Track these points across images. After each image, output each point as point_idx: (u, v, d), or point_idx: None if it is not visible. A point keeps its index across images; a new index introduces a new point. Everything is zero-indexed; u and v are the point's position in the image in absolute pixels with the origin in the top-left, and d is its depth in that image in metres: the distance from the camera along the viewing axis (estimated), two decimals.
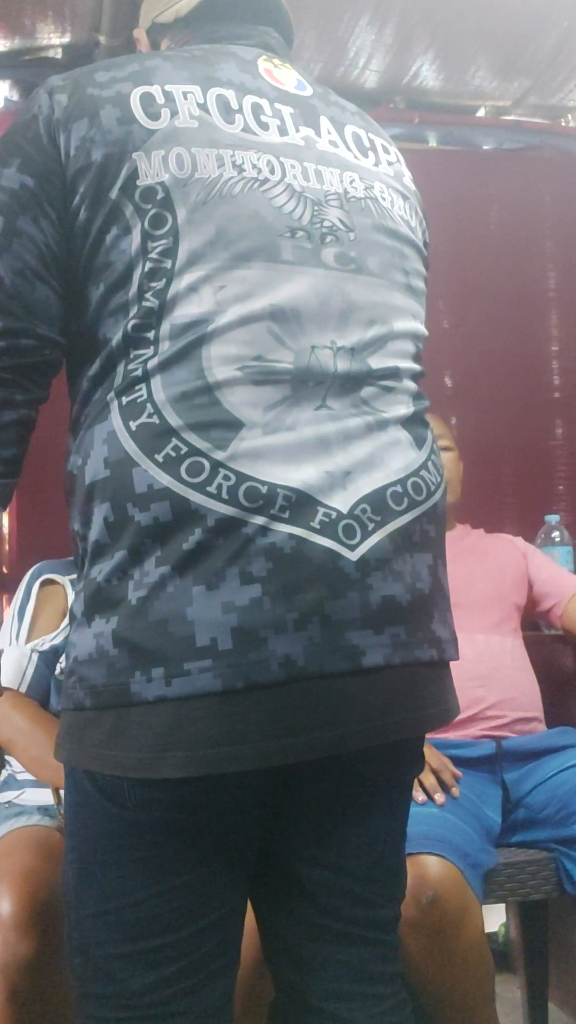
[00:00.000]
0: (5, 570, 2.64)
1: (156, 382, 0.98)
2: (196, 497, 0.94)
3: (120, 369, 1.00)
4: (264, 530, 0.95)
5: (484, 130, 3.18)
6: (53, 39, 2.71)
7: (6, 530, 2.65)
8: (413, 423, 1.10)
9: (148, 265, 0.99)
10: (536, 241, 3.12)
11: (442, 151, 3.13)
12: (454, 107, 3.13)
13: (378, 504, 1.01)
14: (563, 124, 3.24)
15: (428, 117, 3.09)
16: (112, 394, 1.00)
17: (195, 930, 1.01)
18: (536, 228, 3.13)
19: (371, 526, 1.00)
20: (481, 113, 3.20)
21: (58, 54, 2.76)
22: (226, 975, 1.06)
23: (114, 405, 0.99)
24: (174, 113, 1.03)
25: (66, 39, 2.70)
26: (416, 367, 1.13)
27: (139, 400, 0.98)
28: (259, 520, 0.95)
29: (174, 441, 0.96)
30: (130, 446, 0.97)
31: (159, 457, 0.96)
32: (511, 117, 3.19)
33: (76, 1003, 1.05)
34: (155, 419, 0.97)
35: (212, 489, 0.95)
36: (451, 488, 2.22)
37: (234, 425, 0.97)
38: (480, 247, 3.06)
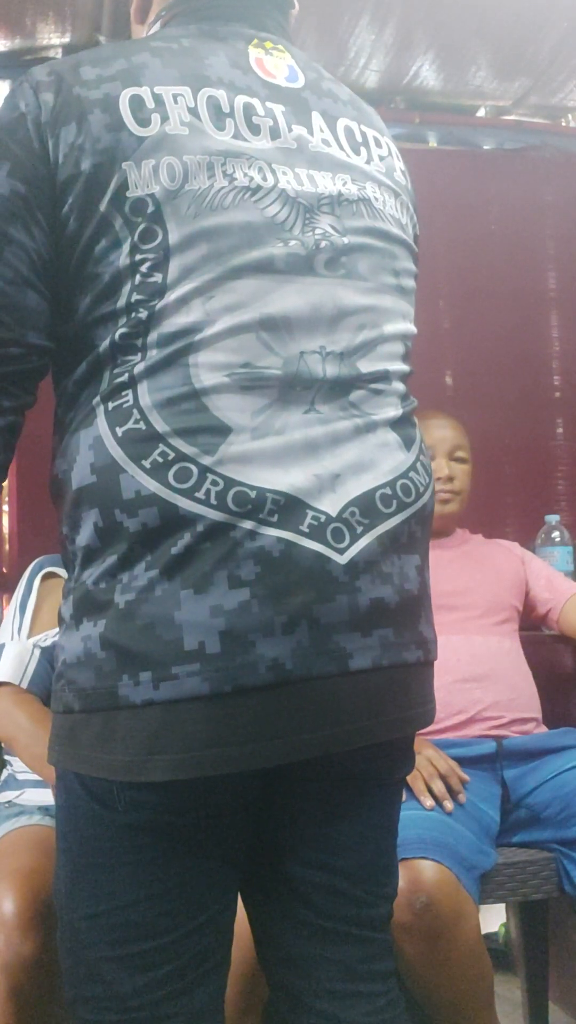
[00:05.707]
0: (5, 570, 2.65)
1: (142, 387, 0.98)
2: (184, 503, 0.94)
3: (106, 374, 1.00)
4: (253, 534, 0.95)
5: (484, 130, 3.17)
6: (53, 39, 2.70)
7: (6, 530, 2.65)
8: (402, 424, 1.10)
9: (137, 279, 0.98)
10: (536, 241, 3.12)
11: (442, 151, 3.12)
12: (454, 107, 3.13)
13: (367, 507, 1.01)
14: (563, 124, 3.23)
15: (428, 117, 3.08)
16: (97, 398, 1.00)
17: (185, 932, 1.01)
18: (536, 228, 3.12)
19: (360, 529, 1.00)
20: (481, 113, 3.19)
21: (58, 54, 2.75)
22: (216, 976, 1.06)
23: (100, 410, 0.99)
24: (164, 119, 1.00)
25: (66, 39, 2.70)
26: (405, 368, 1.13)
27: (125, 406, 0.98)
28: (248, 524, 0.95)
29: (161, 447, 0.96)
30: (116, 452, 0.97)
31: (146, 463, 0.95)
32: (511, 117, 3.18)
33: (68, 1006, 1.05)
34: (141, 425, 0.97)
35: (200, 495, 0.94)
36: (461, 500, 2.22)
37: (222, 430, 0.97)
38: (480, 247, 3.05)
